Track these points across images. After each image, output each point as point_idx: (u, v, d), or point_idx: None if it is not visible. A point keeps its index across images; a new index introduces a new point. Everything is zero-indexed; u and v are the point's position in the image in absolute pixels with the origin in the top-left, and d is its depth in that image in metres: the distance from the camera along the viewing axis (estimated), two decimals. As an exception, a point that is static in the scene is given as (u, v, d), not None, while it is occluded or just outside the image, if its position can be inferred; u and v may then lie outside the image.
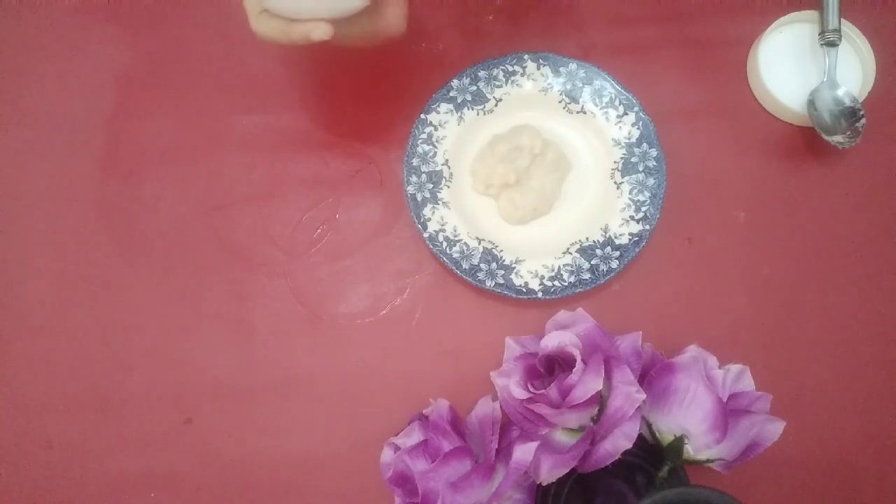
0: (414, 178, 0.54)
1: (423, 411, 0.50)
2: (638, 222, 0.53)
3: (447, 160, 0.55)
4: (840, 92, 0.55)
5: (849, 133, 0.54)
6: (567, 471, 0.43)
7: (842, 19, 0.56)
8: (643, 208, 0.53)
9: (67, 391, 0.53)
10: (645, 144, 0.54)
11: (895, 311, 0.54)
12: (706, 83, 0.58)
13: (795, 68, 0.58)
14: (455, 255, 0.52)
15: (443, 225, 0.53)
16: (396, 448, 0.48)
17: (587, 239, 0.53)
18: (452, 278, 0.54)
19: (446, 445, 0.45)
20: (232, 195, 0.56)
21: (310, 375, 0.53)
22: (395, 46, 0.59)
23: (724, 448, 0.44)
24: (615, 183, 0.55)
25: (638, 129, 0.55)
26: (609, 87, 0.55)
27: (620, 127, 0.55)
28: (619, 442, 0.42)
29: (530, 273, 0.52)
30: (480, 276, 0.52)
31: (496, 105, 0.56)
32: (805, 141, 0.57)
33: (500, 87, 0.56)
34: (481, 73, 0.56)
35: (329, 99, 0.57)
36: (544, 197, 0.54)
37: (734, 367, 0.46)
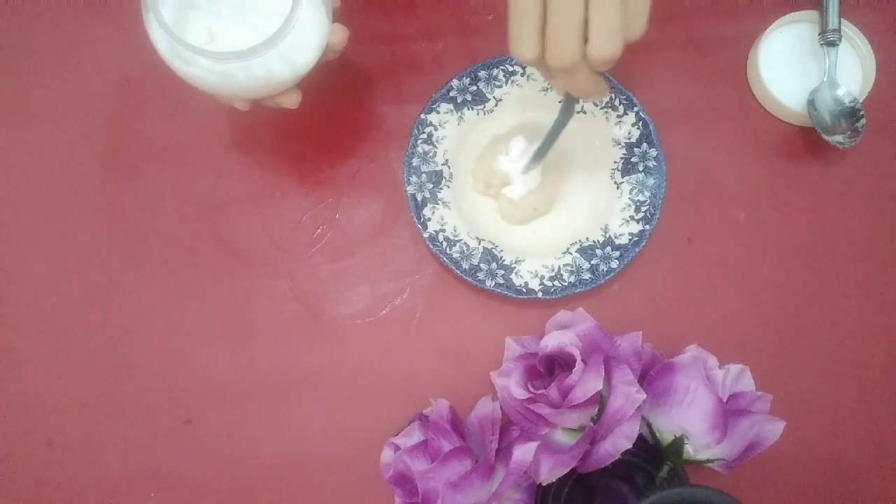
0: (414, 178, 0.54)
1: (423, 411, 0.50)
2: (638, 222, 0.53)
3: (447, 160, 0.55)
4: (840, 92, 0.55)
5: (849, 133, 0.54)
6: (567, 471, 0.43)
7: (842, 19, 0.56)
8: (643, 208, 0.53)
9: (67, 391, 0.53)
10: (645, 144, 0.54)
11: (895, 310, 0.54)
12: (706, 83, 0.58)
13: (795, 68, 0.58)
14: (455, 255, 0.52)
15: (443, 225, 0.53)
16: (396, 448, 0.48)
17: (587, 239, 0.53)
18: (452, 278, 0.54)
19: (446, 445, 0.45)
20: (232, 195, 0.56)
21: (310, 375, 0.53)
22: (394, 47, 0.59)
23: (724, 448, 0.44)
24: (615, 183, 0.55)
25: (638, 129, 0.55)
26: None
27: (620, 127, 0.55)
28: (619, 442, 0.42)
29: (530, 273, 0.52)
30: (480, 276, 0.52)
31: (496, 105, 0.56)
32: (805, 141, 0.57)
33: (500, 87, 0.56)
34: (481, 73, 0.56)
35: (329, 99, 0.57)
36: (544, 197, 0.54)
37: (734, 367, 0.46)
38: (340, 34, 0.45)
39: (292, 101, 0.47)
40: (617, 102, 0.55)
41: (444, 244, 0.53)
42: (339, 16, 0.46)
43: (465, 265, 0.52)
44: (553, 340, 0.46)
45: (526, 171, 0.52)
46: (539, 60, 0.37)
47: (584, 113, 0.56)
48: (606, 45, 0.35)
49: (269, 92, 0.45)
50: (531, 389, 0.45)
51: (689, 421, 0.44)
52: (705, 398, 0.43)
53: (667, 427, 0.45)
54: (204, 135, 0.57)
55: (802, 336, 0.54)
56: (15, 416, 0.53)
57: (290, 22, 0.40)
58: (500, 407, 0.47)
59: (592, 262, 0.53)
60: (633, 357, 0.47)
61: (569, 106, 0.45)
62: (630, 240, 0.53)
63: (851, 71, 0.57)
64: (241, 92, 0.44)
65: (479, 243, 0.53)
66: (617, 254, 0.52)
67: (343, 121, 0.57)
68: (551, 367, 0.47)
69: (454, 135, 0.55)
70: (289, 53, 0.42)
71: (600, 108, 0.55)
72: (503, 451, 0.46)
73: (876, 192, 0.56)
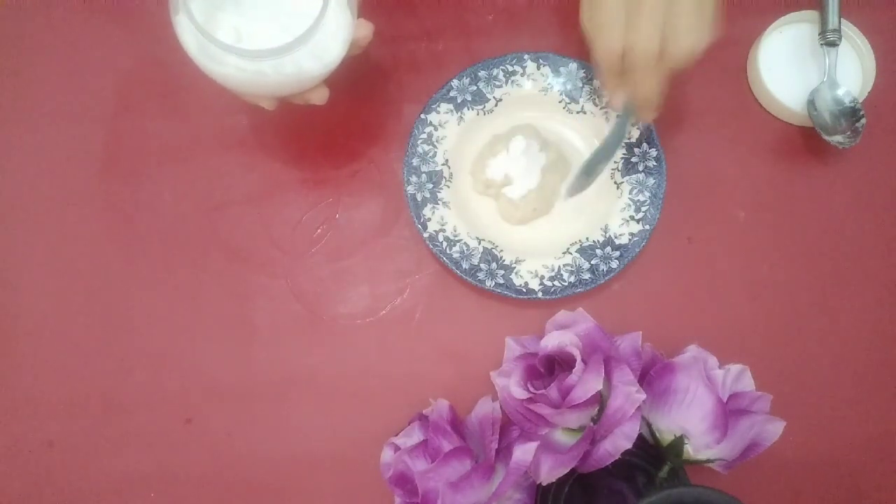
0: (414, 178, 0.54)
1: (423, 411, 0.50)
2: (638, 222, 0.53)
3: (447, 160, 0.55)
4: (840, 92, 0.55)
5: (849, 133, 0.54)
6: (567, 471, 0.43)
7: (842, 19, 0.56)
8: (643, 208, 0.53)
9: (67, 391, 0.53)
10: (645, 144, 0.54)
11: (895, 310, 0.54)
12: (706, 83, 0.58)
13: (795, 68, 0.58)
14: (455, 255, 0.52)
15: (443, 225, 0.53)
16: (396, 448, 0.48)
17: (587, 239, 0.53)
18: (452, 278, 0.54)
19: (446, 445, 0.45)
20: (232, 195, 0.56)
21: (310, 375, 0.53)
22: (394, 47, 0.59)
23: (724, 448, 0.44)
24: (615, 183, 0.55)
25: (638, 128, 0.54)
26: (609, 87, 0.55)
27: (620, 127, 0.55)
28: (619, 442, 0.42)
29: (530, 273, 0.52)
30: (480, 276, 0.52)
31: (496, 105, 0.56)
32: (805, 141, 0.57)
33: (500, 87, 0.56)
34: (481, 73, 0.56)
35: (329, 99, 0.57)
36: (544, 197, 0.54)
37: (734, 367, 0.46)
38: (365, 29, 0.46)
39: (321, 96, 0.47)
40: (617, 102, 0.55)
41: (444, 244, 0.53)
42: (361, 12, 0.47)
43: (465, 265, 0.52)
44: (553, 340, 0.46)
45: (571, 194, 0.53)
46: (620, 56, 0.44)
47: (584, 113, 0.56)
48: (690, 39, 0.42)
49: (298, 88, 0.46)
50: (531, 389, 0.45)
51: (689, 421, 0.44)
52: (705, 398, 0.43)
53: (667, 427, 0.45)
54: (204, 135, 0.57)
55: (802, 336, 0.54)
56: (15, 416, 0.53)
57: (321, 19, 0.41)
58: (500, 407, 0.47)
59: (592, 262, 0.53)
60: (633, 357, 0.47)
61: (624, 123, 0.50)
62: (630, 240, 0.53)
63: (851, 71, 0.57)
64: (272, 89, 0.45)
65: (479, 243, 0.53)
66: (617, 254, 0.52)
67: (343, 121, 0.57)
68: (551, 367, 0.47)
69: (454, 135, 0.55)
70: (317, 50, 0.43)
71: (600, 108, 0.55)
72: (503, 451, 0.46)
73: (876, 192, 0.56)
